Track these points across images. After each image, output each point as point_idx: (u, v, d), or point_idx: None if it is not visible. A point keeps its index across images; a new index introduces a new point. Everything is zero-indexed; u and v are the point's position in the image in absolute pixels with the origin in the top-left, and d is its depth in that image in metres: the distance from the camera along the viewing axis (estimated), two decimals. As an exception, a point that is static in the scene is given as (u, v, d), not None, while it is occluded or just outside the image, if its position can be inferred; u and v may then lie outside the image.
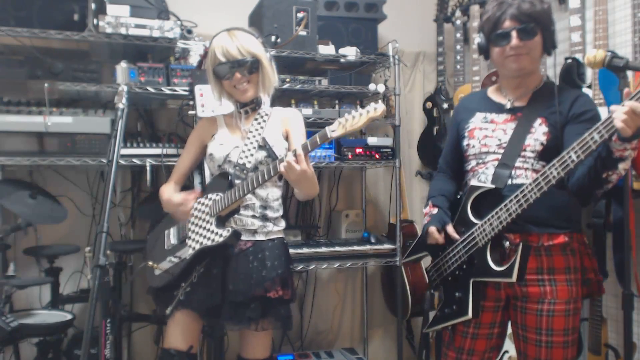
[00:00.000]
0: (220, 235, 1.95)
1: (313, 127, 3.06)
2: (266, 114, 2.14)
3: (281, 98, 3.19)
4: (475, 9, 3.23)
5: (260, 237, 2.08)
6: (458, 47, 3.38)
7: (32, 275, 2.87)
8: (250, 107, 2.12)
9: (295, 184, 1.91)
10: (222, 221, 2.01)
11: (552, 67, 2.86)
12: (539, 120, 1.83)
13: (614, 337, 2.60)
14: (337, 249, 3.03)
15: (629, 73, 2.05)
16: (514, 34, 1.79)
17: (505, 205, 1.75)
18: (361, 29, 3.25)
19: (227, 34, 2.03)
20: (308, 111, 2.94)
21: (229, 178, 2.01)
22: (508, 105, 1.91)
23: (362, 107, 3.18)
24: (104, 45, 2.69)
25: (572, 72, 2.49)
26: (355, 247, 3.07)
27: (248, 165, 2.02)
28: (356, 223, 3.39)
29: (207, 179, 2.30)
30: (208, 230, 1.99)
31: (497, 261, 1.81)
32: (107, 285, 1.46)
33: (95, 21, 2.55)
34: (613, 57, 1.64)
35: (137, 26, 2.57)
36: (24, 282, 2.54)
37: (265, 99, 2.18)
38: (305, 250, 2.95)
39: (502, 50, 1.83)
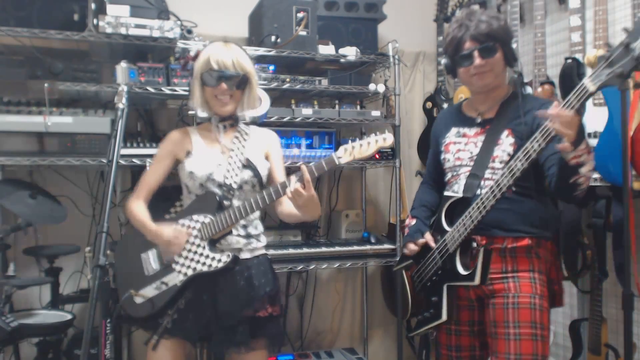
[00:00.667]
0: (219, 261, 1.90)
1: (313, 127, 3.06)
2: (246, 133, 2.10)
3: (281, 98, 3.19)
4: (475, 9, 3.22)
5: (245, 255, 2.02)
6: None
7: (32, 275, 2.87)
8: (228, 122, 2.07)
9: (301, 208, 1.88)
10: (214, 245, 1.94)
11: (552, 67, 2.87)
12: (505, 132, 1.93)
13: (614, 337, 2.60)
14: (337, 249, 3.03)
15: (629, 73, 2.05)
16: (475, 54, 1.90)
17: (469, 212, 1.86)
18: (361, 29, 3.25)
19: (223, 44, 2.01)
20: (308, 111, 2.94)
21: (217, 199, 1.94)
22: (478, 119, 2.02)
23: (362, 107, 3.23)
24: (104, 45, 2.69)
25: (572, 72, 2.49)
26: (355, 247, 3.07)
27: (234, 186, 1.98)
28: (356, 223, 3.39)
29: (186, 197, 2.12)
30: (201, 254, 1.92)
31: (466, 265, 1.91)
32: (107, 285, 1.46)
33: (95, 21, 2.55)
34: (613, 57, 1.65)
35: (137, 26, 2.57)
36: (24, 282, 2.54)
37: (246, 116, 2.15)
38: (305, 250, 2.95)
39: (467, 70, 1.94)
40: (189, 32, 2.73)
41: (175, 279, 1.94)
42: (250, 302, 1.97)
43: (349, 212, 3.41)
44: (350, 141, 1.85)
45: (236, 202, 1.96)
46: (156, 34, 2.60)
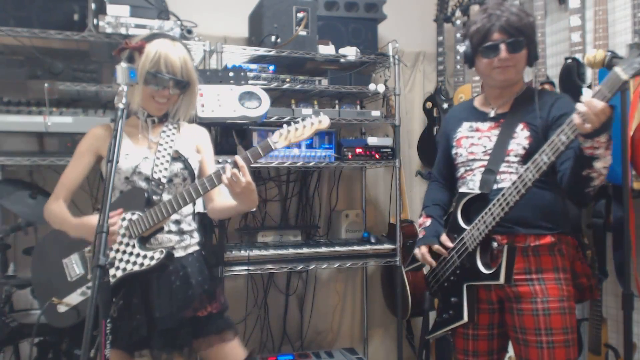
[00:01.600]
0: (152, 258, 1.78)
1: (313, 127, 3.06)
2: (174, 127, 2.01)
3: (281, 98, 3.19)
4: (475, 9, 3.23)
5: (179, 253, 1.94)
6: (458, 47, 3.38)
7: (32, 275, 2.87)
8: (157, 117, 1.98)
9: (239, 196, 1.83)
10: (144, 242, 1.83)
11: (552, 67, 2.87)
12: (520, 125, 1.88)
13: (614, 337, 2.60)
14: (337, 249, 3.02)
15: (629, 73, 2.05)
16: (502, 46, 1.83)
17: (490, 209, 1.80)
18: (361, 29, 3.25)
19: (171, 43, 1.91)
20: (308, 111, 2.94)
21: (145, 195, 1.84)
22: (492, 114, 1.97)
23: (362, 107, 3.22)
24: (104, 45, 2.68)
25: (572, 72, 2.50)
26: (355, 247, 3.06)
27: (163, 180, 1.88)
28: (356, 223, 3.39)
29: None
30: (130, 253, 1.80)
31: (488, 264, 1.85)
32: (107, 285, 1.45)
33: (95, 21, 2.55)
34: (613, 57, 1.65)
35: (137, 26, 2.57)
36: (24, 282, 2.54)
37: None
38: (305, 250, 2.94)
39: (490, 62, 1.87)
40: (189, 32, 2.73)
41: None
42: (188, 302, 1.90)
43: (349, 212, 3.40)
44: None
45: (166, 197, 1.85)
46: (156, 34, 2.60)
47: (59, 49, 2.81)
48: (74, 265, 1.89)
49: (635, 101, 2.24)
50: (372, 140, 3.10)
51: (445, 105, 3.42)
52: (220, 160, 2.51)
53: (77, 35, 2.56)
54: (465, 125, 2.02)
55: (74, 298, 1.84)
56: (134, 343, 1.86)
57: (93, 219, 1.81)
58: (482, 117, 2.00)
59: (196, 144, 2.05)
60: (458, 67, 3.40)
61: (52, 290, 1.88)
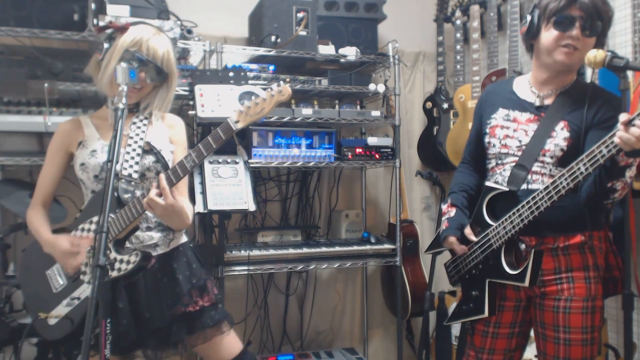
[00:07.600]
0: (128, 262, 1.70)
1: (313, 127, 3.06)
2: (145, 118, 1.92)
3: (281, 98, 3.19)
4: (475, 8, 3.23)
5: (163, 249, 1.89)
6: (458, 47, 3.38)
7: (32, 275, 2.86)
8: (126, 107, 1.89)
9: (162, 218, 1.78)
10: (120, 245, 1.76)
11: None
12: (561, 124, 1.80)
13: (614, 337, 2.60)
14: (337, 249, 3.02)
15: (629, 73, 2.05)
16: (578, 23, 1.72)
17: (518, 211, 1.77)
18: (361, 29, 3.26)
19: (157, 33, 1.87)
20: (308, 111, 2.94)
21: (116, 193, 1.74)
22: (537, 103, 1.86)
23: (362, 107, 3.22)
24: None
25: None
26: (355, 247, 3.06)
27: (134, 175, 1.80)
28: (356, 223, 3.39)
29: (84, 195, 1.92)
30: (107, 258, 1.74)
31: (512, 263, 1.83)
32: (107, 285, 1.45)
33: (95, 21, 2.55)
34: (613, 57, 1.64)
35: (137, 26, 2.57)
36: (24, 282, 2.54)
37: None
38: (305, 250, 2.95)
39: (560, 36, 1.75)
40: (189, 32, 2.73)
41: (86, 290, 1.76)
42: (177, 298, 1.86)
43: (349, 212, 3.41)
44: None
45: (140, 194, 1.78)
46: (156, 34, 2.60)
47: (59, 49, 2.81)
48: (57, 277, 1.85)
49: (635, 101, 2.24)
50: (372, 140, 3.10)
51: (445, 105, 3.42)
52: (220, 160, 2.51)
53: (77, 35, 2.56)
54: (502, 112, 1.92)
55: (61, 310, 1.81)
56: (123, 347, 1.81)
57: (63, 241, 1.79)
58: (521, 105, 1.89)
59: (169, 134, 1.97)
60: (458, 67, 3.40)
61: (40, 304, 1.85)
